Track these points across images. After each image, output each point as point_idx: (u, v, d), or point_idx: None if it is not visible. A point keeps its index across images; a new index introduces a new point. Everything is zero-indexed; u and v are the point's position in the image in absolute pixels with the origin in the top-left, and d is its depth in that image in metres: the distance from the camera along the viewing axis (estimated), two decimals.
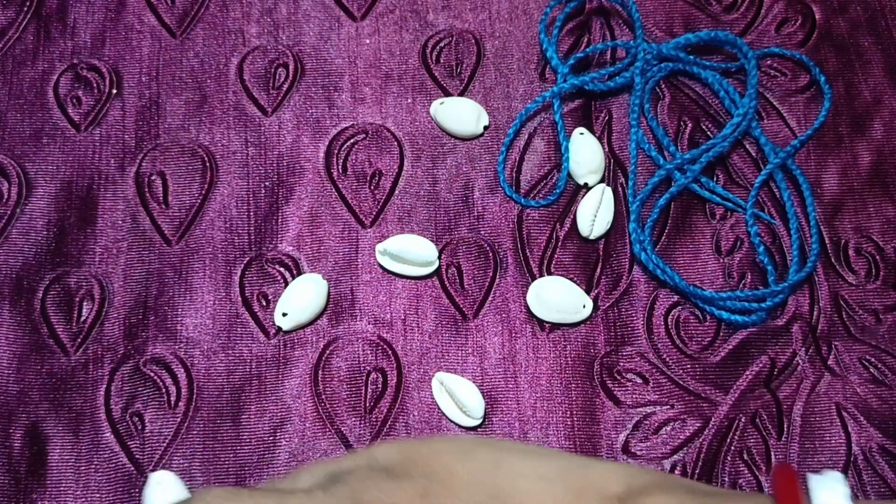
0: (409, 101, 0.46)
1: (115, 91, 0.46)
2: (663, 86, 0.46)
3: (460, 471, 0.26)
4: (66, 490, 0.38)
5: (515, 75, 0.46)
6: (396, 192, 0.44)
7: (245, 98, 0.46)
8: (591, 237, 0.43)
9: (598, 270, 0.42)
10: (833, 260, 0.42)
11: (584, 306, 0.41)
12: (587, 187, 0.44)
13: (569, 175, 0.44)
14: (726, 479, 0.38)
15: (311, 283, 0.41)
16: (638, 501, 0.25)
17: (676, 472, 0.39)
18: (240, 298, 0.42)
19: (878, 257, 0.43)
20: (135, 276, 0.42)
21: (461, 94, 0.46)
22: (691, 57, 0.46)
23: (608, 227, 0.43)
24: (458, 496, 0.25)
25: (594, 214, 0.43)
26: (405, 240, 0.42)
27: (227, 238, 0.43)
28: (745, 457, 0.39)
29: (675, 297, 0.42)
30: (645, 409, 0.40)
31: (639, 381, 0.40)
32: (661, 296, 0.42)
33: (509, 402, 0.40)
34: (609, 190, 0.43)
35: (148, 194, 0.44)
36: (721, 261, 0.43)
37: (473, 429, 0.39)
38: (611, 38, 0.47)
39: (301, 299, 0.41)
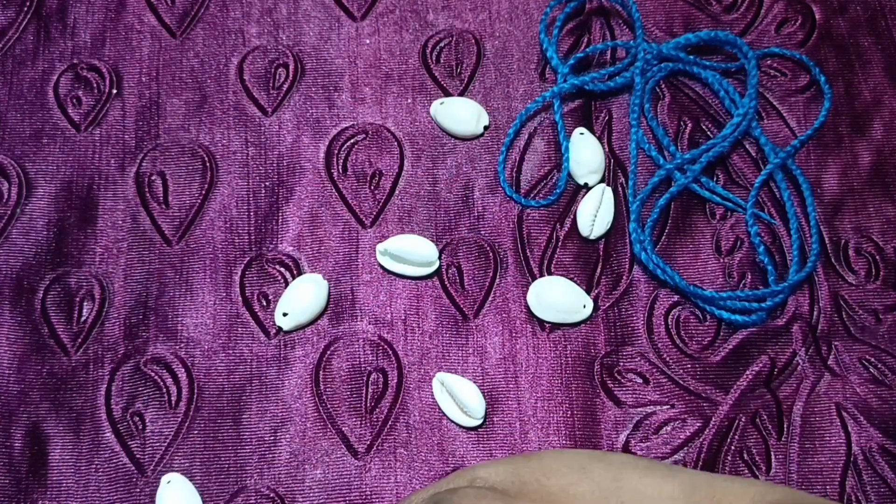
0: (409, 101, 0.46)
1: (115, 91, 0.46)
2: (663, 86, 0.46)
3: (581, 491, 0.25)
4: (67, 490, 0.38)
5: (515, 75, 0.46)
6: (396, 192, 0.44)
7: (245, 98, 0.46)
8: (591, 237, 0.43)
9: (598, 270, 0.42)
10: (833, 260, 0.42)
11: (584, 306, 0.41)
12: (587, 187, 0.44)
13: (569, 175, 0.44)
14: None
15: (312, 283, 0.41)
16: None
17: None
18: (240, 298, 0.42)
19: (878, 257, 0.43)
20: (135, 276, 0.42)
21: (461, 94, 0.46)
22: (691, 57, 0.46)
23: (608, 227, 0.43)
24: None
25: (594, 214, 0.43)
26: (405, 240, 0.42)
27: (227, 238, 0.43)
28: (746, 457, 0.39)
29: (676, 297, 0.42)
30: (645, 408, 0.40)
31: (639, 380, 0.40)
32: (661, 296, 0.42)
33: (510, 402, 0.40)
34: (609, 190, 0.43)
35: (148, 194, 0.44)
36: (721, 261, 0.43)
37: (474, 429, 0.39)
38: (611, 38, 0.47)
39: (301, 299, 0.41)
